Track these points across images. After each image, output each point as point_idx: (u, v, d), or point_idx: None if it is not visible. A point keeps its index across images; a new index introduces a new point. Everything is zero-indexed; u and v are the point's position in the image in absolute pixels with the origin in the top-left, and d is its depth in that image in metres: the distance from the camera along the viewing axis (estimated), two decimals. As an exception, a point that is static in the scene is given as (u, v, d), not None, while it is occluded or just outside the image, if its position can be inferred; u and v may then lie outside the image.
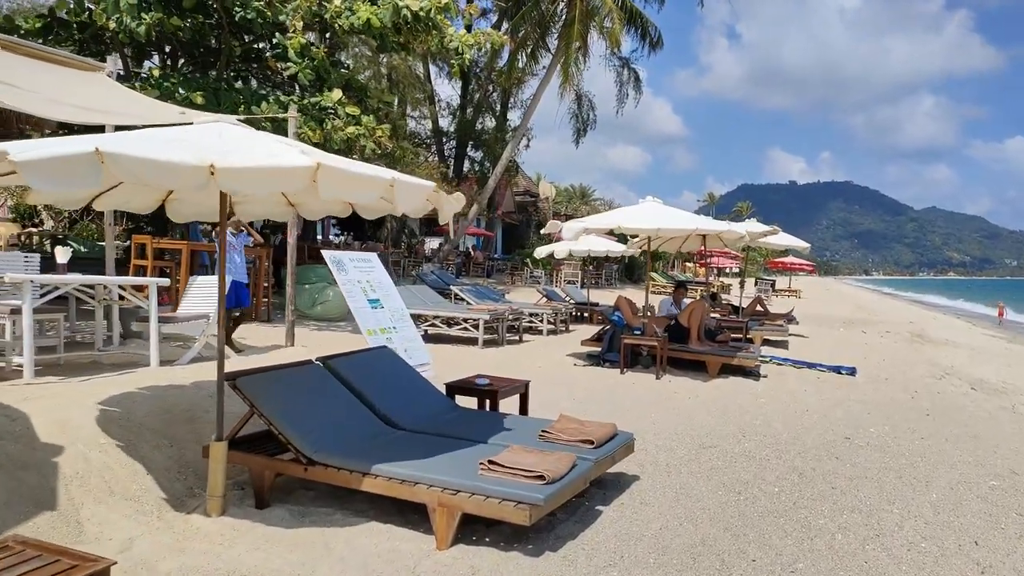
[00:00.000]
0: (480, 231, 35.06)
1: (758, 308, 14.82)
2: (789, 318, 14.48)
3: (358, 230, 34.35)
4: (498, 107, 34.83)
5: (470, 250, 33.36)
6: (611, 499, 4.14)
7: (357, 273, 6.99)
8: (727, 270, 69.91)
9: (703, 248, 12.41)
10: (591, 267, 32.49)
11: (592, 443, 4.03)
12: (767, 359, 10.22)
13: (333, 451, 3.70)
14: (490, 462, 3.45)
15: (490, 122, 35.25)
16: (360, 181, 3.18)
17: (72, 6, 11.25)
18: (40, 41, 11.01)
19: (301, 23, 11.67)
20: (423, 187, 3.55)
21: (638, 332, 8.55)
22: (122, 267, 11.34)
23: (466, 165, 36.18)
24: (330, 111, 12.29)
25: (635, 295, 19.69)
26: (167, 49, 13.66)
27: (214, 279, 6.87)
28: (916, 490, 4.55)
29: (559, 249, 15.38)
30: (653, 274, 31.15)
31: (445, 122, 34.78)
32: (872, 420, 6.60)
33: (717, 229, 7.75)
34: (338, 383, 4.44)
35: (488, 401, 5.07)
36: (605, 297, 19.65)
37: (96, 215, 14.44)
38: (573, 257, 22.42)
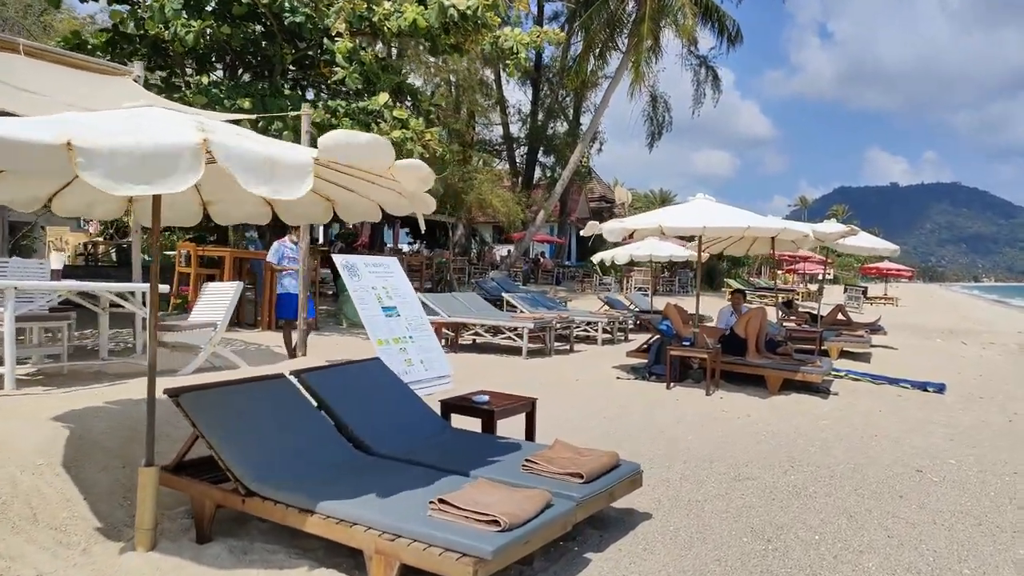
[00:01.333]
0: (551, 238, 34.48)
1: (839, 317, 13.57)
2: (874, 328, 13.17)
3: (429, 237, 34.52)
4: (570, 112, 34.26)
5: (539, 257, 32.83)
6: (608, 543, 3.49)
7: (373, 279, 6.58)
8: (819, 276, 66.48)
9: (772, 251, 11.41)
10: (665, 273, 31.33)
11: (581, 477, 3.40)
12: (842, 374, 9.18)
13: (278, 481, 3.24)
14: (441, 501, 2.89)
15: (562, 127, 34.72)
16: (261, 162, 2.57)
17: (125, 17, 11.46)
18: (107, 57, 11.32)
19: (344, 25, 11.48)
20: (376, 156, 2.91)
21: (687, 343, 7.77)
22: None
23: (538, 172, 35.74)
24: (377, 115, 12.07)
25: (716, 303, 18.61)
26: (227, 59, 13.84)
27: (228, 286, 6.62)
28: (998, 543, 3.66)
29: (619, 254, 14.64)
30: (730, 280, 29.68)
31: (517, 128, 34.48)
32: (954, 448, 5.61)
33: (772, 227, 6.88)
34: (308, 401, 3.99)
35: (484, 422, 4.50)
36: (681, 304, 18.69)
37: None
38: (652, 261, 21.56)
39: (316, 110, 11.47)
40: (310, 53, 13.62)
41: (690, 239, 14.29)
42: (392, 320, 6.50)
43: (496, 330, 10.75)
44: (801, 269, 36.38)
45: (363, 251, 21.71)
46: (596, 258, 14.88)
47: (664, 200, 61.13)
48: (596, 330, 12.53)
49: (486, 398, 4.60)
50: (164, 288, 6.00)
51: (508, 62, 14.25)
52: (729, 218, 6.95)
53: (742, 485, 4.46)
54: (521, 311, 12.94)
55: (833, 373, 9.15)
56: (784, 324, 13.08)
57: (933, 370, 10.37)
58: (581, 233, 7.97)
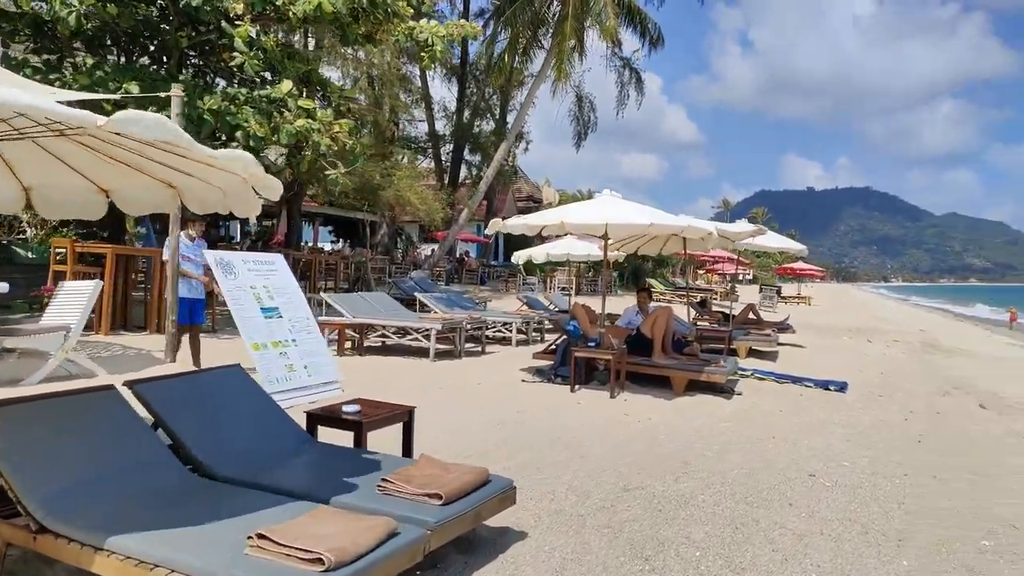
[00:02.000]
0: (476, 237, 34.14)
1: (750, 316, 13.74)
2: (782, 327, 13.39)
3: (353, 236, 33.63)
4: (497, 110, 34.03)
5: (464, 256, 32.43)
6: (473, 569, 3.15)
7: (251, 277, 6.05)
8: (735, 276, 68.56)
9: (684, 250, 11.39)
10: (590, 273, 31.47)
11: (440, 498, 3.04)
12: (748, 373, 9.17)
13: (76, 514, 2.75)
14: (261, 536, 2.48)
15: (489, 125, 34.45)
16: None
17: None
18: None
19: (243, 7, 10.79)
20: (163, 134, 2.43)
21: (593, 344, 7.55)
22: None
23: (464, 171, 35.35)
24: (280, 104, 11.42)
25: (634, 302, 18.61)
26: (121, 42, 12.88)
27: (84, 285, 5.97)
28: (883, 553, 3.51)
29: (536, 253, 14.42)
30: (653, 280, 30.05)
31: (442, 125, 33.99)
32: (850, 450, 5.55)
33: (675, 225, 6.72)
34: (138, 416, 3.49)
35: (355, 435, 4.09)
36: (598, 305, 18.65)
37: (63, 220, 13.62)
38: (570, 261, 21.43)
39: (213, 97, 10.76)
40: (211, 37, 12.83)
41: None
42: (273, 322, 5.99)
43: (405, 331, 10.33)
44: (721, 269, 37.26)
45: (278, 249, 20.83)
46: (514, 257, 14.62)
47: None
48: (511, 331, 12.25)
49: (356, 408, 4.19)
50: (3, 287, 5.32)
51: (423, 54, 13.82)
52: (632, 215, 6.75)
53: (630, 496, 4.20)
54: (434, 312, 12.54)
55: (739, 372, 9.14)
56: (698, 323, 13.14)
57: (838, 368, 10.53)
58: (486, 231, 7.64)
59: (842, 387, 8.62)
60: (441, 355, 10.25)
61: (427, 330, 9.89)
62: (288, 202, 23.07)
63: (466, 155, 34.85)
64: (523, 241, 38.55)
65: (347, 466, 3.56)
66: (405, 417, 4.37)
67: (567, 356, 7.77)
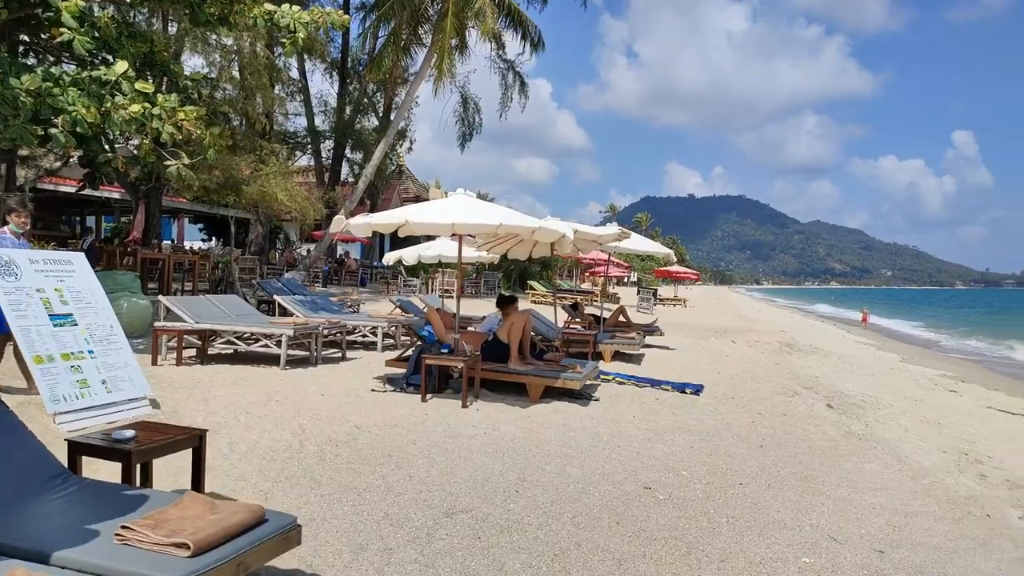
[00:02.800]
0: (357, 237, 33.06)
1: (620, 319, 13.86)
2: (650, 329, 13.59)
3: (226, 235, 31.70)
4: (381, 107, 33.19)
5: (343, 257, 31.33)
6: (238, 628, 2.67)
7: (39, 279, 5.22)
8: (626, 280, 70.60)
9: (552, 252, 11.26)
10: (473, 275, 31.22)
11: (188, 548, 2.54)
12: (610, 377, 9.12)
13: None
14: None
15: (373, 122, 33.56)
16: None
17: None
18: None
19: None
20: None
21: (445, 350, 7.17)
22: None
23: (347, 169, 34.26)
24: (114, 86, 10.31)
25: (521, 305, 18.38)
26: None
27: None
28: (704, 576, 3.33)
29: (407, 255, 13.94)
30: (535, 283, 30.20)
31: (322, 121, 32.73)
32: (692, 457, 5.47)
33: (526, 226, 6.46)
34: None
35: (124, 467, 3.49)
36: (478, 308, 18.31)
37: None
38: (441, 263, 21.02)
39: (32, 76, 9.55)
40: (37, 12, 11.46)
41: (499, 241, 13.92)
42: (64, 331, 5.19)
43: (249, 338, 9.56)
44: (602, 272, 38.07)
45: (134, 248, 19.16)
46: (385, 259, 14.06)
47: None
48: (378, 336, 11.70)
49: (131, 433, 3.59)
50: None
51: (284, 40, 13.00)
52: (482, 215, 6.42)
53: (452, 522, 3.84)
54: (296, 316, 11.80)
55: (601, 377, 9.06)
56: (571, 326, 13.09)
57: (699, 370, 10.73)
58: (330, 230, 7.09)
59: (698, 389, 8.71)
60: (296, 362, 9.59)
61: (278, 336, 9.19)
62: (146, 196, 21.36)
63: (348, 153, 33.80)
64: (412, 241, 37.83)
65: (96, 509, 2.97)
66: (194, 443, 3.80)
67: (421, 363, 7.36)
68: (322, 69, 32.27)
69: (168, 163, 11.70)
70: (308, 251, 27.78)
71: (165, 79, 13.03)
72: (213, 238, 36.35)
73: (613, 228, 10.15)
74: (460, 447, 5.39)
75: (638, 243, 11.71)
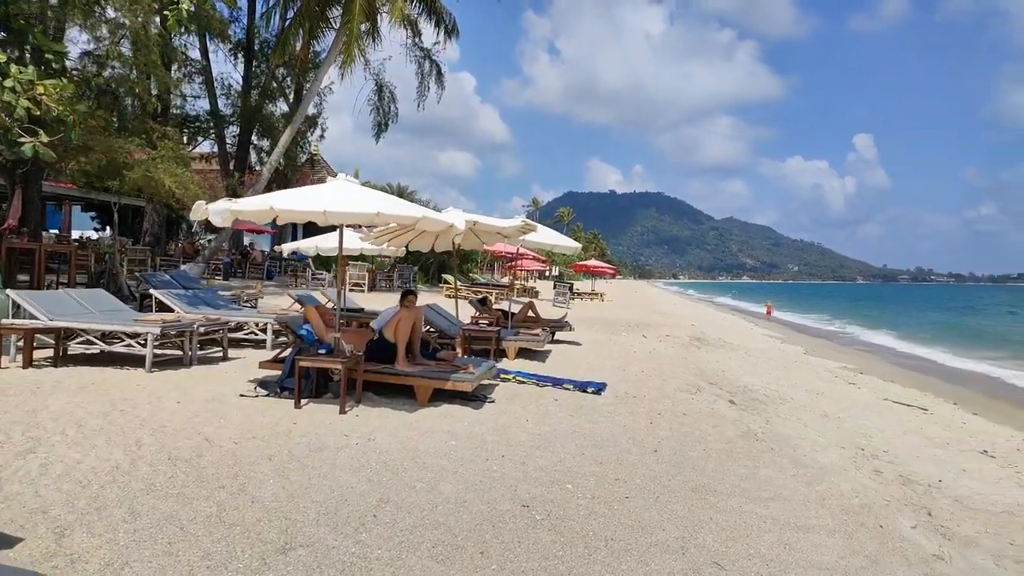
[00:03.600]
0: (263, 228, 31.53)
1: (530, 314, 13.47)
2: (559, 325, 13.25)
3: (122, 223, 29.55)
4: (291, 93, 31.73)
5: (248, 248, 29.79)
6: None
7: None
8: (547, 274, 70.73)
9: (455, 246, 10.72)
10: (386, 268, 30.32)
11: None
12: (510, 376, 8.66)
13: None
14: None
15: (282, 108, 32.08)
16: None
17: None
18: None
19: None
20: None
21: (323, 351, 6.52)
22: None
23: (254, 156, 32.62)
24: (-48, 54, 9.08)
25: (433, 298, 17.68)
26: None
27: None
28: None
29: (304, 246, 13.09)
30: (448, 276, 29.57)
31: (224, 104, 30.96)
32: (580, 467, 5.05)
33: (408, 215, 5.88)
34: None
35: None
36: (389, 302, 17.55)
37: None
38: (340, 254, 20.05)
39: None
40: None
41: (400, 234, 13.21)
42: None
43: (111, 337, 8.59)
44: (520, 266, 37.80)
45: (9, 237, 17.39)
46: (279, 249, 13.16)
47: (401, 194, 60.50)
48: (267, 333, 10.85)
49: None
50: None
51: (167, 13, 11.91)
52: (358, 202, 5.80)
53: (283, 561, 3.25)
54: (177, 312, 10.82)
55: (501, 376, 8.61)
56: (480, 322, 12.59)
57: (605, 367, 10.43)
58: (190, 216, 6.31)
59: (600, 388, 8.37)
60: (168, 363, 8.70)
61: (143, 335, 8.28)
62: (23, 180, 19.52)
63: (256, 140, 32.18)
64: (327, 231, 36.44)
65: None
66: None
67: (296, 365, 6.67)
68: (226, 50, 30.55)
69: (22, 139, 10.50)
70: (209, 241, 26.17)
71: (28, 50, 11.74)
72: (108, 228, 33.99)
73: (516, 221, 9.70)
74: (323, 462, 4.78)
75: (546, 236, 11.31)
